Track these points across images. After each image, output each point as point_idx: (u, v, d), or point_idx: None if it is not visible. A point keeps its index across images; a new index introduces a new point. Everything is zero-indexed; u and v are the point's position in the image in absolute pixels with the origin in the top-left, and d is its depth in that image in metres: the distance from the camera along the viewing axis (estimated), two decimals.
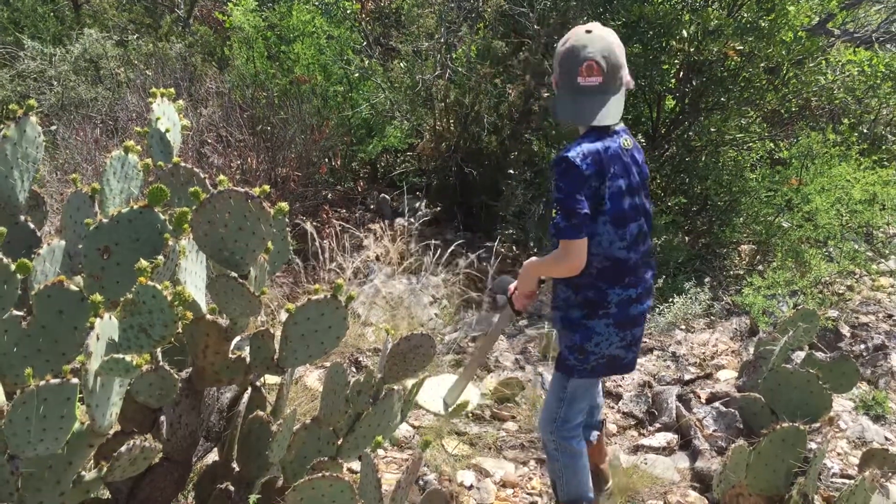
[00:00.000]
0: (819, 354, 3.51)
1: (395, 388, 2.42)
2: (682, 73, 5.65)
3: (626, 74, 2.45)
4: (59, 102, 6.01)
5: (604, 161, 2.39)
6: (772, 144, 6.26)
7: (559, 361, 2.65)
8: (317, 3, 6.21)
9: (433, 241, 5.00)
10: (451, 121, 5.85)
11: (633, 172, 2.49)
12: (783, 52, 5.37)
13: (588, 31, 2.41)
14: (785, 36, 5.30)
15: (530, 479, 3.27)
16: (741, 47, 5.29)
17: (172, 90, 2.45)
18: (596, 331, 2.54)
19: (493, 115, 5.68)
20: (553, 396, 2.70)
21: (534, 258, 2.66)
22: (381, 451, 3.27)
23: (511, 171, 5.78)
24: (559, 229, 2.37)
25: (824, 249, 5.43)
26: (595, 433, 2.96)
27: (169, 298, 1.61)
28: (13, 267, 1.77)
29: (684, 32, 5.25)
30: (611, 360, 2.60)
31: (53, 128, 5.46)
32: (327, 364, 3.72)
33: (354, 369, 3.82)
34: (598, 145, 2.41)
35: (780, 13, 5.22)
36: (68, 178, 4.91)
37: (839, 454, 3.52)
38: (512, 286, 2.78)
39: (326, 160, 5.98)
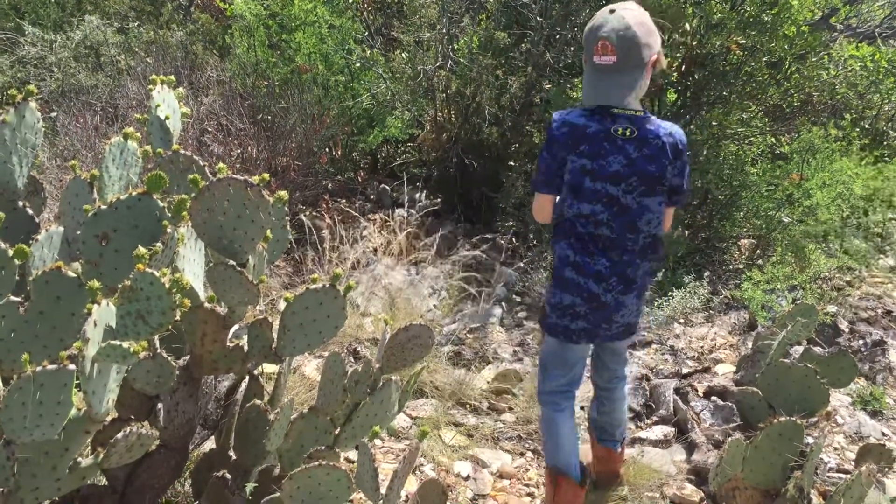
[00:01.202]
0: (817, 349, 3.52)
1: (393, 378, 2.42)
2: (683, 67, 5.63)
3: (651, 55, 2.43)
4: (60, 89, 5.99)
5: (576, 136, 2.46)
6: (773, 139, 6.24)
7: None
8: None
9: (434, 233, 4.99)
10: (453, 112, 5.84)
11: (609, 160, 2.46)
12: (786, 47, 5.35)
13: (611, 11, 2.43)
14: (788, 30, 5.28)
15: (527, 470, 3.27)
16: (744, 41, 5.27)
17: (173, 77, 2.44)
18: (555, 282, 2.66)
19: (495, 107, 5.67)
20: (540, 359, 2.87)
21: None
22: (378, 442, 3.27)
23: (512, 163, 5.78)
24: (532, 180, 2.63)
25: (824, 245, 5.43)
26: (616, 445, 3.05)
27: (167, 286, 1.60)
28: (11, 252, 1.77)
29: (687, 25, 5.23)
30: (544, 315, 2.75)
31: (53, 114, 5.44)
32: (325, 354, 3.72)
33: (353, 359, 3.82)
34: (581, 120, 2.47)
35: (783, 7, 5.19)
36: (67, 164, 4.90)
37: (836, 449, 3.52)
38: None
39: (327, 150, 5.97)
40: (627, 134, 2.46)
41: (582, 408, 3.35)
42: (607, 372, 2.94)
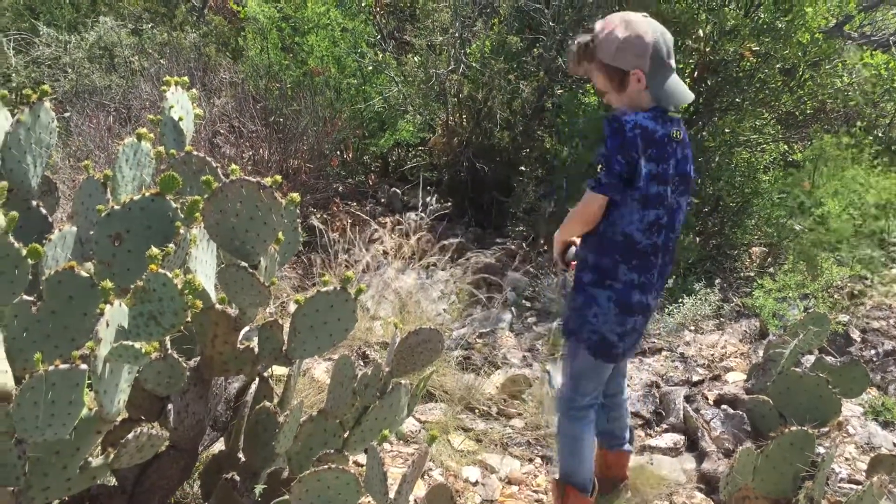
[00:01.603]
0: (829, 359, 3.49)
1: (403, 382, 2.41)
2: (696, 73, 5.62)
3: None
4: (73, 89, 6.03)
5: (646, 139, 2.42)
6: (785, 146, 6.22)
7: (565, 325, 2.71)
8: None
9: (444, 238, 4.98)
10: (464, 116, 5.84)
11: (670, 164, 2.49)
12: (799, 54, 5.33)
13: (645, 16, 2.47)
14: (802, 37, 5.25)
15: (536, 476, 3.26)
16: (757, 48, 5.25)
17: (186, 79, 2.44)
18: (597, 301, 2.57)
19: (506, 111, 5.67)
20: (565, 375, 2.76)
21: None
22: (386, 446, 3.27)
23: (523, 168, 5.78)
24: (600, 184, 2.44)
25: (836, 253, 5.40)
26: (627, 445, 3.03)
27: (179, 287, 1.60)
28: (24, 252, 1.77)
29: (700, 32, 5.22)
30: (602, 342, 2.61)
31: (67, 114, 5.47)
32: (335, 356, 3.72)
33: (362, 363, 3.82)
34: (650, 124, 2.44)
35: (797, 14, 5.17)
36: (80, 164, 4.92)
37: (847, 459, 3.50)
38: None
39: (338, 153, 5.98)
40: (678, 136, 2.51)
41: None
42: (615, 382, 2.93)
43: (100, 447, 2.03)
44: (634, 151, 2.41)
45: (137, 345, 1.53)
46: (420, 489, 2.87)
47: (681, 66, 5.48)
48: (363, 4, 6.38)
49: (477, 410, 3.67)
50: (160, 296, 1.61)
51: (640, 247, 2.52)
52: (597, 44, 2.47)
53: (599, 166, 2.44)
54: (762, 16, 5.26)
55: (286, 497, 2.14)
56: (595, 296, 2.57)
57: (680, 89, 2.49)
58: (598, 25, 2.49)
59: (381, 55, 6.23)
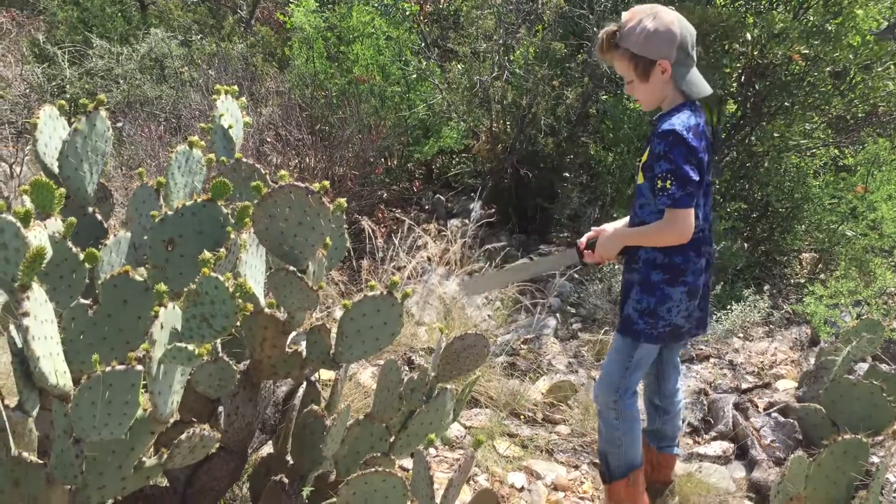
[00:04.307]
0: (883, 366, 3.41)
1: (449, 387, 2.42)
2: (743, 77, 5.54)
3: None
4: (126, 100, 6.17)
5: (699, 135, 2.48)
6: (836, 151, 6.10)
7: (625, 325, 2.69)
8: (376, 5, 6.26)
9: (488, 244, 4.99)
10: (508, 122, 5.84)
11: (709, 149, 2.56)
12: (850, 57, 5.22)
13: (671, 8, 2.51)
14: (852, 40, 5.15)
15: (582, 482, 3.24)
16: (806, 51, 5.16)
17: (236, 88, 2.49)
18: (672, 297, 2.60)
19: (550, 118, 5.66)
20: (617, 365, 2.73)
21: (620, 227, 2.75)
22: (432, 450, 3.28)
23: (567, 174, 5.75)
24: (675, 199, 2.43)
25: (890, 259, 5.27)
26: (676, 449, 3.05)
27: (231, 290, 1.63)
28: (82, 256, 1.82)
29: (748, 35, 5.15)
30: (674, 329, 2.66)
31: (119, 124, 5.61)
32: (380, 361, 3.75)
33: (407, 368, 3.83)
34: (694, 119, 2.49)
35: (847, 16, 5.08)
36: (133, 173, 5.04)
37: None
38: (584, 239, 2.82)
39: (383, 160, 6.02)
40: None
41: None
42: (669, 382, 2.95)
43: (152, 448, 2.08)
44: (700, 153, 2.46)
45: (191, 347, 1.57)
46: (465, 494, 2.87)
47: (727, 70, 5.42)
48: (407, 13, 6.42)
49: (522, 416, 3.66)
50: (212, 299, 1.65)
51: (704, 234, 2.61)
52: (624, 33, 2.50)
53: (669, 182, 2.42)
54: (811, 18, 5.17)
55: (333, 500, 2.16)
56: (669, 294, 2.60)
57: (702, 81, 2.54)
58: (626, 15, 2.51)
59: (424, 63, 6.27)
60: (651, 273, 2.61)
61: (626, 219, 2.82)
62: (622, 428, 2.76)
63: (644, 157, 2.60)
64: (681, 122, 2.45)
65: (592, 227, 2.86)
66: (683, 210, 2.45)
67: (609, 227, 2.80)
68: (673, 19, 2.47)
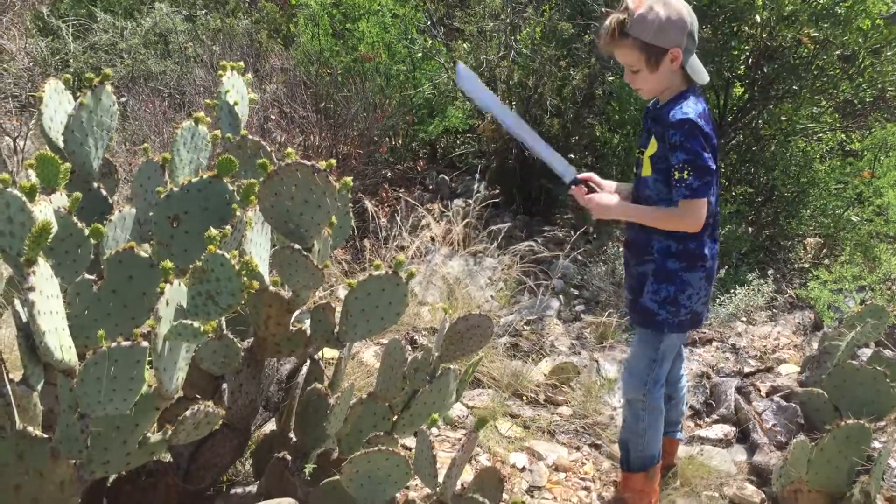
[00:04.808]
0: (887, 352, 3.41)
1: (452, 367, 2.42)
2: (751, 60, 5.50)
3: None
4: (129, 75, 6.14)
5: (708, 119, 2.47)
6: (843, 135, 6.06)
7: (646, 318, 2.66)
8: None
9: (492, 224, 4.98)
10: (514, 102, 5.81)
11: (715, 132, 2.54)
12: (859, 40, 5.18)
13: None
14: (862, 23, 5.11)
15: (583, 464, 3.25)
16: (816, 34, 5.12)
17: (242, 64, 2.48)
18: (691, 283, 2.58)
19: (557, 98, 5.62)
20: (644, 359, 2.72)
21: (623, 200, 2.65)
22: (434, 430, 3.28)
23: (572, 156, 5.72)
24: (693, 189, 2.40)
25: (895, 244, 5.26)
26: (679, 433, 3.10)
27: (237, 267, 1.63)
28: (87, 232, 1.82)
29: (757, 17, 5.11)
30: (695, 317, 2.66)
31: (123, 99, 5.58)
32: (383, 341, 3.75)
33: (410, 347, 3.84)
34: (701, 105, 2.47)
35: (857, 0, 5.03)
36: (136, 148, 5.02)
37: None
38: (585, 175, 2.73)
39: (387, 139, 5.99)
40: None
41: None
42: (674, 369, 2.96)
43: (156, 424, 2.08)
44: (712, 139, 2.45)
45: (196, 323, 1.56)
46: (467, 474, 2.88)
47: (736, 52, 5.38)
48: None
49: (524, 397, 3.66)
50: (218, 276, 1.64)
51: (715, 218, 2.61)
52: (634, 21, 2.41)
53: (685, 172, 2.39)
54: (821, 1, 5.12)
55: (336, 477, 2.17)
56: (689, 280, 2.58)
57: (701, 67, 2.52)
58: (631, 2, 2.42)
59: (430, 41, 6.22)
60: (667, 261, 2.58)
61: (630, 185, 2.74)
62: (648, 420, 2.77)
63: (651, 149, 2.54)
64: (693, 109, 2.42)
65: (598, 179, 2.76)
66: (700, 200, 2.43)
67: (611, 184, 2.74)
68: (682, 4, 2.43)
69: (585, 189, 2.69)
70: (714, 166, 2.42)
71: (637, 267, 2.70)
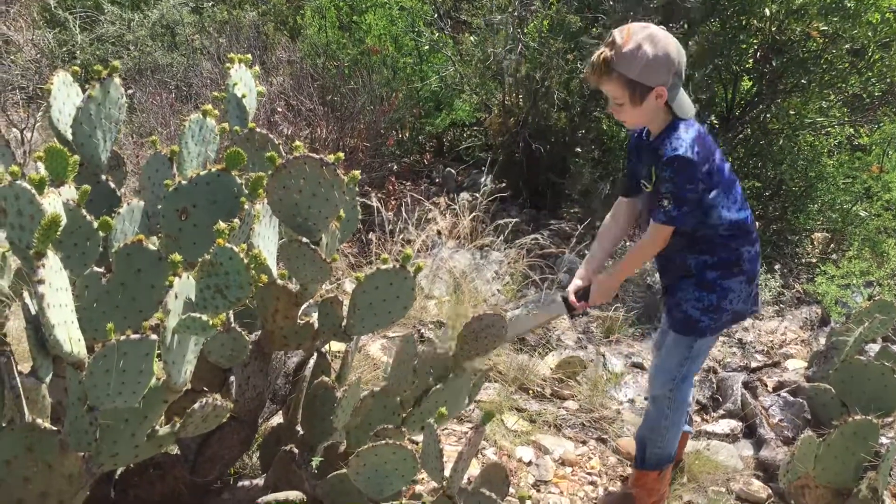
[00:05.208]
0: (895, 348, 3.39)
1: (468, 368, 2.42)
2: (760, 54, 5.47)
3: None
4: (136, 67, 6.14)
5: (705, 140, 2.50)
6: (852, 130, 6.03)
7: (688, 326, 2.69)
8: None
9: (498, 218, 4.97)
10: (521, 96, 5.79)
11: (716, 141, 2.61)
12: (869, 34, 5.15)
13: (662, 28, 2.49)
14: (872, 17, 5.08)
15: (589, 458, 3.25)
16: (825, 28, 5.09)
17: (249, 56, 2.47)
18: (732, 289, 2.65)
19: (564, 92, 5.60)
20: (676, 359, 2.76)
21: (605, 273, 2.74)
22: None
23: (579, 149, 5.71)
24: (671, 217, 2.49)
25: None
26: (688, 427, 3.10)
27: (245, 261, 1.63)
28: (96, 224, 1.82)
29: (766, 11, 5.08)
30: (735, 315, 2.74)
31: (130, 91, 5.58)
32: (390, 334, 3.75)
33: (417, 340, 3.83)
34: (693, 131, 2.47)
35: None
36: (143, 140, 5.02)
37: None
38: (571, 290, 2.76)
39: (394, 132, 5.98)
40: None
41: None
42: None
43: (164, 417, 2.09)
44: (706, 165, 2.47)
45: (205, 317, 1.56)
46: (474, 468, 2.89)
47: (744, 46, 5.36)
48: None
49: (531, 391, 3.66)
50: (226, 269, 1.64)
51: (750, 220, 2.66)
52: (620, 58, 2.40)
53: (666, 201, 2.46)
54: None
55: (343, 470, 2.17)
56: (729, 286, 2.65)
57: (688, 101, 2.53)
58: (619, 37, 2.41)
59: (437, 34, 6.20)
60: (705, 272, 2.64)
61: (596, 252, 2.79)
62: (671, 418, 2.80)
63: (650, 184, 2.57)
64: (682, 142, 2.43)
65: (576, 276, 2.79)
66: (664, 227, 2.53)
67: (580, 271, 2.77)
68: (670, 42, 2.42)
69: (582, 301, 2.75)
70: (693, 196, 2.47)
71: (663, 277, 2.82)
